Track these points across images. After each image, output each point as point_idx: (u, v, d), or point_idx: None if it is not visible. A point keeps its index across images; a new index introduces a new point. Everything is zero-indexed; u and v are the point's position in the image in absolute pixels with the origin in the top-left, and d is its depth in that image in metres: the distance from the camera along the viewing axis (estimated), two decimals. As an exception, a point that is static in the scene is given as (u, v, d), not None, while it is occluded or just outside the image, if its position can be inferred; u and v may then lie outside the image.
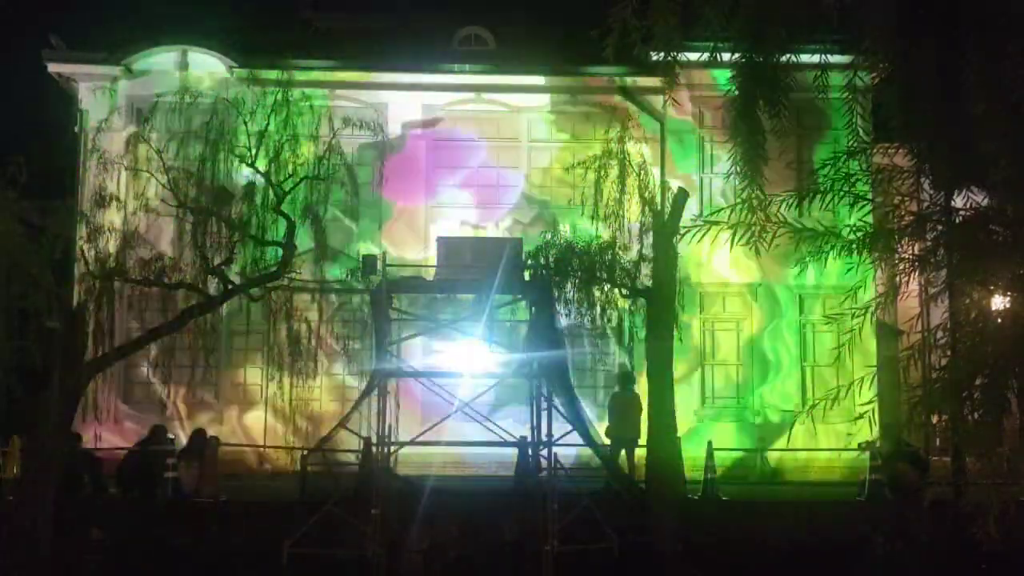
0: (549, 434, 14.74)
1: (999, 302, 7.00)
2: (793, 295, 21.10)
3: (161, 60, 21.08)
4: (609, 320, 16.88)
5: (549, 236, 16.89)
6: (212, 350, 18.95)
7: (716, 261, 20.89)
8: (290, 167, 16.44)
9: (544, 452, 14.69)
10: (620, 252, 16.75)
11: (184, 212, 16.32)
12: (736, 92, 7.35)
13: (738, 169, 7.37)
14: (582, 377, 20.18)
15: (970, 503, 7.02)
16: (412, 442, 15.25)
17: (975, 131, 6.62)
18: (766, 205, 7.51)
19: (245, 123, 16.60)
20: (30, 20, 29.78)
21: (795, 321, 21.19)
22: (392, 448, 14.90)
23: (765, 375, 21.13)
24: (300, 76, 18.63)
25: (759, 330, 21.24)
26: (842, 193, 7.71)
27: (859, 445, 18.75)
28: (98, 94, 20.22)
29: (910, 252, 7.49)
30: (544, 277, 15.88)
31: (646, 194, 17.07)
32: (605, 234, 17.13)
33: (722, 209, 7.99)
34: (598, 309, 16.61)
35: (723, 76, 7.60)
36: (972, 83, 6.45)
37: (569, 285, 16.20)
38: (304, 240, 17.23)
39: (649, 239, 16.36)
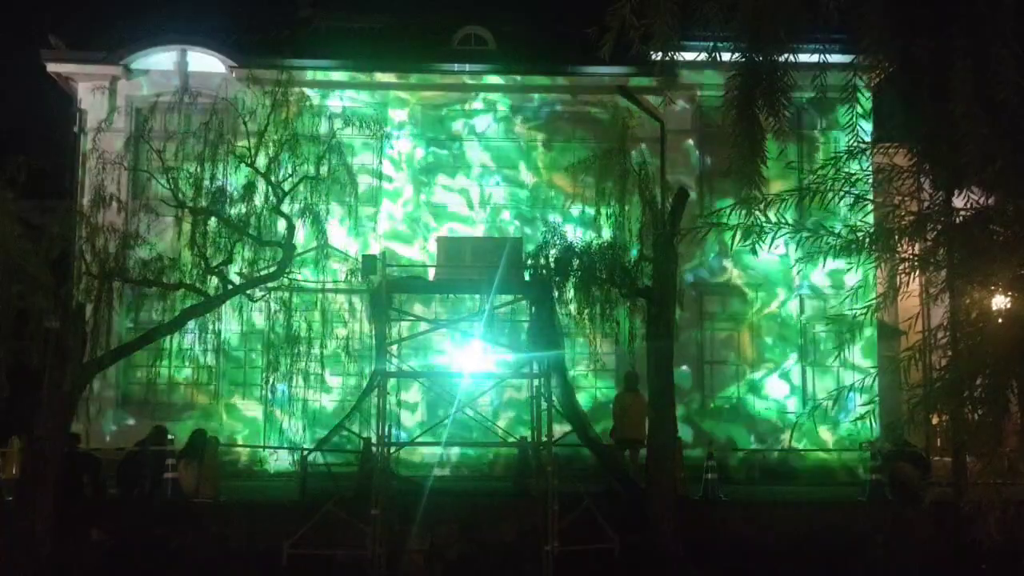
0: (549, 434, 14.74)
1: (999, 302, 7.00)
2: (794, 295, 21.09)
3: (161, 60, 21.07)
4: (609, 320, 16.85)
5: (549, 236, 16.87)
6: (212, 350, 18.96)
7: (716, 260, 20.94)
8: (290, 167, 16.42)
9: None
10: (620, 252, 16.72)
11: (184, 212, 16.30)
12: (735, 92, 7.33)
13: (737, 169, 7.36)
14: (582, 378, 20.21)
15: (970, 503, 7.02)
16: (412, 442, 15.26)
17: (965, 130, 6.62)
18: (765, 205, 7.51)
19: (245, 123, 16.59)
20: (30, 20, 29.79)
21: (796, 321, 21.18)
22: (392, 448, 14.90)
23: (765, 375, 21.12)
24: (300, 76, 18.58)
25: (760, 330, 21.22)
26: (842, 193, 7.71)
27: (860, 445, 18.79)
28: (97, 94, 20.16)
29: (910, 252, 7.49)
30: (544, 277, 15.86)
31: (646, 194, 17.03)
32: (605, 234, 17.11)
33: (722, 209, 7.99)
34: (598, 309, 16.57)
35: (722, 76, 7.55)
36: (963, 83, 6.45)
37: (569, 285, 16.18)
38: (304, 240, 17.22)
39: (649, 239, 16.34)
